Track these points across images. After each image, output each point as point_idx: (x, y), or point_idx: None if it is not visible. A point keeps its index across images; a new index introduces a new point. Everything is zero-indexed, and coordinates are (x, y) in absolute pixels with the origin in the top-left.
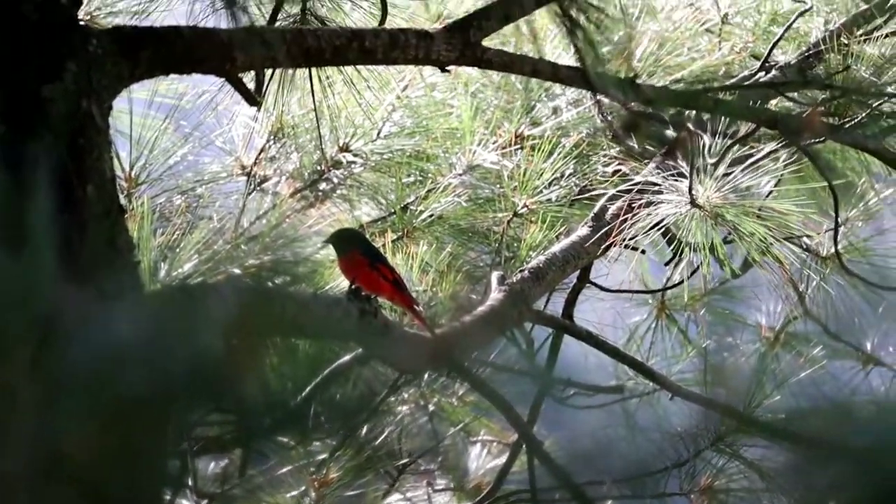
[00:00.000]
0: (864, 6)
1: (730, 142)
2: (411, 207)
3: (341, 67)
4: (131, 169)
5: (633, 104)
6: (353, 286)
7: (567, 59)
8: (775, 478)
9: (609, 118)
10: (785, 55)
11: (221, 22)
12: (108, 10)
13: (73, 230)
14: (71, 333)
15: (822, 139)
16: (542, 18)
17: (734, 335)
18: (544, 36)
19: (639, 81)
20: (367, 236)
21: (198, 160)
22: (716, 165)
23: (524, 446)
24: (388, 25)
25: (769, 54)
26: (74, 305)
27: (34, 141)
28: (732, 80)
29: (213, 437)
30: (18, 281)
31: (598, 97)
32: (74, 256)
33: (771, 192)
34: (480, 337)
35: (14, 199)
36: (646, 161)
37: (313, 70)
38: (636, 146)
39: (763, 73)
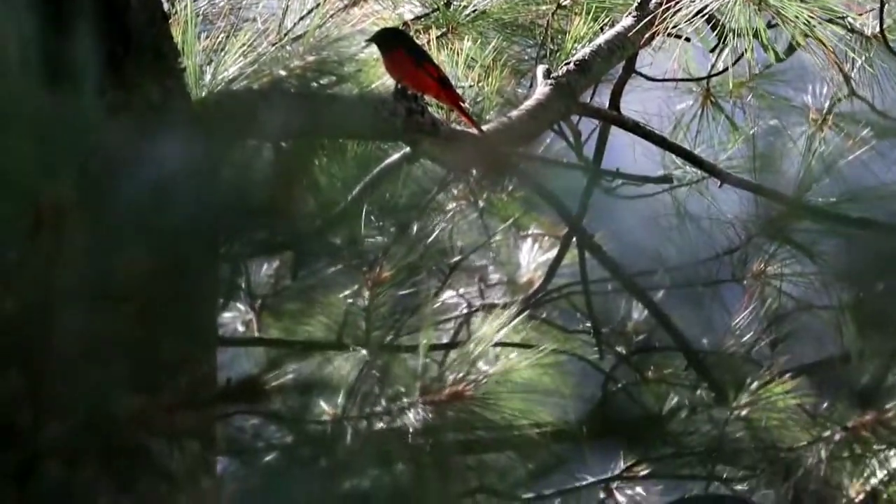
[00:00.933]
0: None
1: None
2: (454, 3)
3: None
4: None
5: None
6: (399, 85)
7: None
8: (827, 260)
9: None
10: None
11: None
12: None
13: (118, 40)
14: (117, 165)
15: None
16: None
17: (781, 118)
18: None
19: None
20: (411, 34)
21: None
22: None
23: (574, 239)
24: None
25: None
26: (120, 135)
27: None
28: None
29: (263, 240)
30: (62, 112)
31: None
32: (120, 67)
33: None
34: (528, 131)
35: (54, 23)
36: None
37: None
38: None
39: None
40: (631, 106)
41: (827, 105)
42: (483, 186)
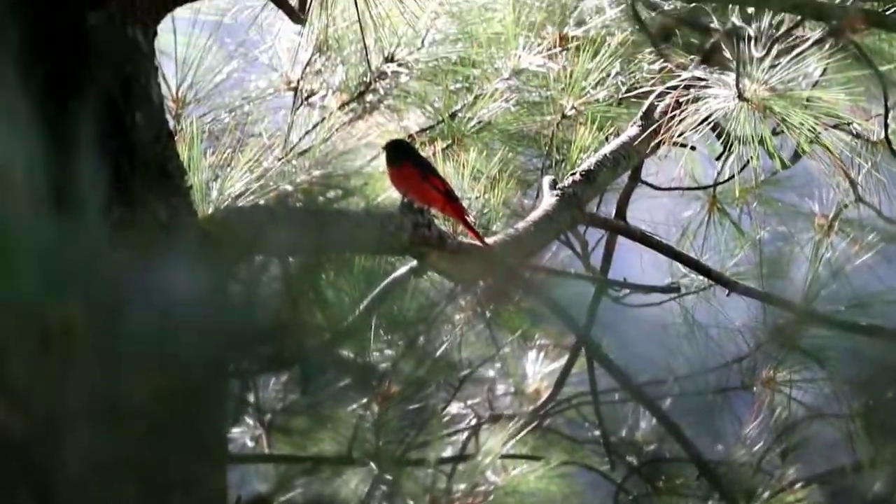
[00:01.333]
0: None
1: (775, 34)
2: (459, 115)
3: None
4: (178, 89)
5: (669, 7)
6: (405, 199)
7: None
8: (837, 367)
9: (645, 21)
10: None
11: None
12: None
13: (124, 159)
14: (123, 285)
15: (866, 29)
16: None
17: (788, 224)
18: None
19: None
20: (417, 146)
21: (244, 77)
22: (762, 58)
23: (582, 349)
24: None
25: None
26: (126, 255)
27: (81, 70)
28: None
29: (271, 356)
30: (67, 234)
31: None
32: (126, 185)
33: (817, 82)
34: (534, 243)
35: (59, 141)
36: (691, 57)
37: None
38: (672, 55)
39: None
40: (638, 214)
41: (833, 211)
42: (490, 299)
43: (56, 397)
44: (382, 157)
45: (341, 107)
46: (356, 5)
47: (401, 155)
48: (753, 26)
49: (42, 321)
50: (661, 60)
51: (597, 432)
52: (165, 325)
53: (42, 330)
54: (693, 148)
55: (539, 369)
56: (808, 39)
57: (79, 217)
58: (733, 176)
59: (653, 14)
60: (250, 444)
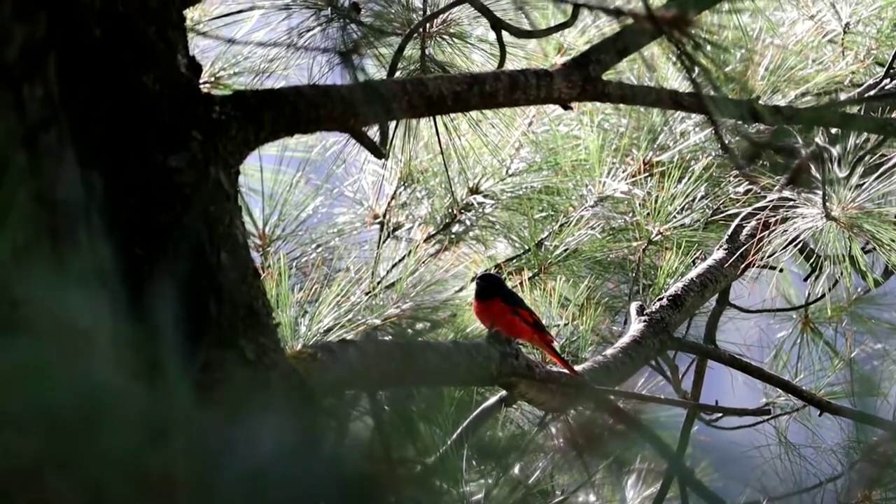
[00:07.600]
0: None
1: (860, 153)
2: (545, 243)
3: None
4: (265, 225)
5: (753, 133)
6: (492, 330)
7: (687, 83)
8: None
9: (730, 145)
10: None
11: (341, 78)
12: (231, 70)
13: (211, 299)
14: (214, 452)
15: None
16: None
17: (883, 341)
18: (663, 61)
19: (762, 101)
20: (504, 275)
21: (330, 212)
22: (847, 178)
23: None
24: (508, 60)
25: (893, 60)
26: (215, 423)
27: (165, 212)
28: (857, 90)
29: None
30: (155, 406)
31: (718, 126)
32: (214, 326)
33: None
34: (623, 369)
35: (146, 297)
36: (777, 178)
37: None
38: (758, 177)
39: (888, 80)
40: (729, 336)
41: None
42: (581, 427)
43: None
44: (470, 288)
45: (427, 239)
46: (438, 138)
47: (490, 291)
48: (838, 147)
49: (141, 472)
50: (747, 183)
51: None
52: (257, 475)
53: (143, 480)
54: (780, 270)
55: (638, 492)
56: (893, 156)
57: (165, 371)
58: (824, 295)
59: (736, 138)
60: None
